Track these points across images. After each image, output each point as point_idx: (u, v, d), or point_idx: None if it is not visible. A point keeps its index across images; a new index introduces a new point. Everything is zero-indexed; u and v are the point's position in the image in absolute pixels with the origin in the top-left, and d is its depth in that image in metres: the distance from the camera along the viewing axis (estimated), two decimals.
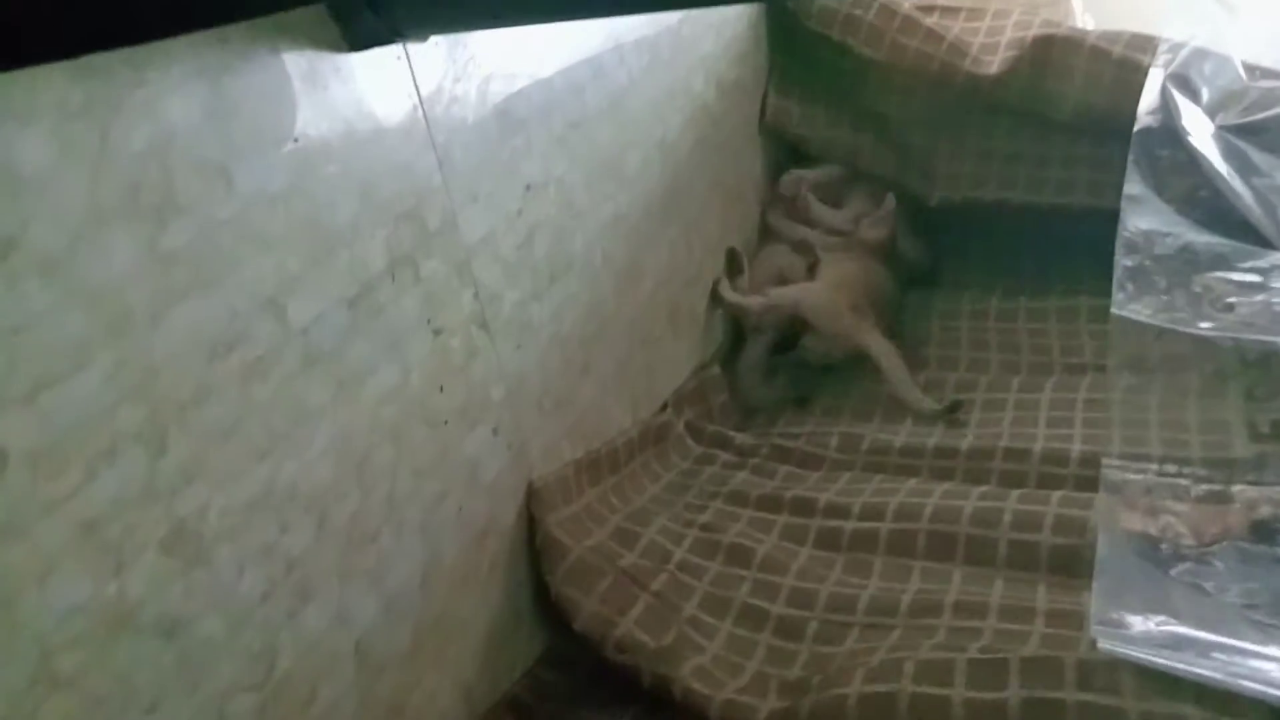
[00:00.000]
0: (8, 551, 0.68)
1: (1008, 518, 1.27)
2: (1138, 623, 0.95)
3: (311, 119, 0.93)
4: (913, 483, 1.42)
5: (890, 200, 1.92)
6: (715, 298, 1.83)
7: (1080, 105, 1.75)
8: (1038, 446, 1.44)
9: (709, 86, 1.78)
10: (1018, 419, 1.54)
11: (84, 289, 0.72)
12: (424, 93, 1.08)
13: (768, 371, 1.83)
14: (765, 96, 2.02)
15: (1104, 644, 0.95)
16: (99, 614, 0.75)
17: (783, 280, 1.86)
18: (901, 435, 1.56)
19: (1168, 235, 1.45)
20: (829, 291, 1.79)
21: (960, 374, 1.73)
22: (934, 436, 1.54)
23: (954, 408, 1.61)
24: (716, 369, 1.78)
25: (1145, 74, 1.65)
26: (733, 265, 1.89)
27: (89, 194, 0.72)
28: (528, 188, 1.29)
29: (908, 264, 1.97)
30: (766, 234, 2.03)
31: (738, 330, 1.90)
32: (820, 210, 1.97)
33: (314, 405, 0.95)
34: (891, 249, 1.92)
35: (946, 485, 1.40)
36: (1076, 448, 1.41)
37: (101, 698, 0.76)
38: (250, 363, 0.87)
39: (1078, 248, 1.72)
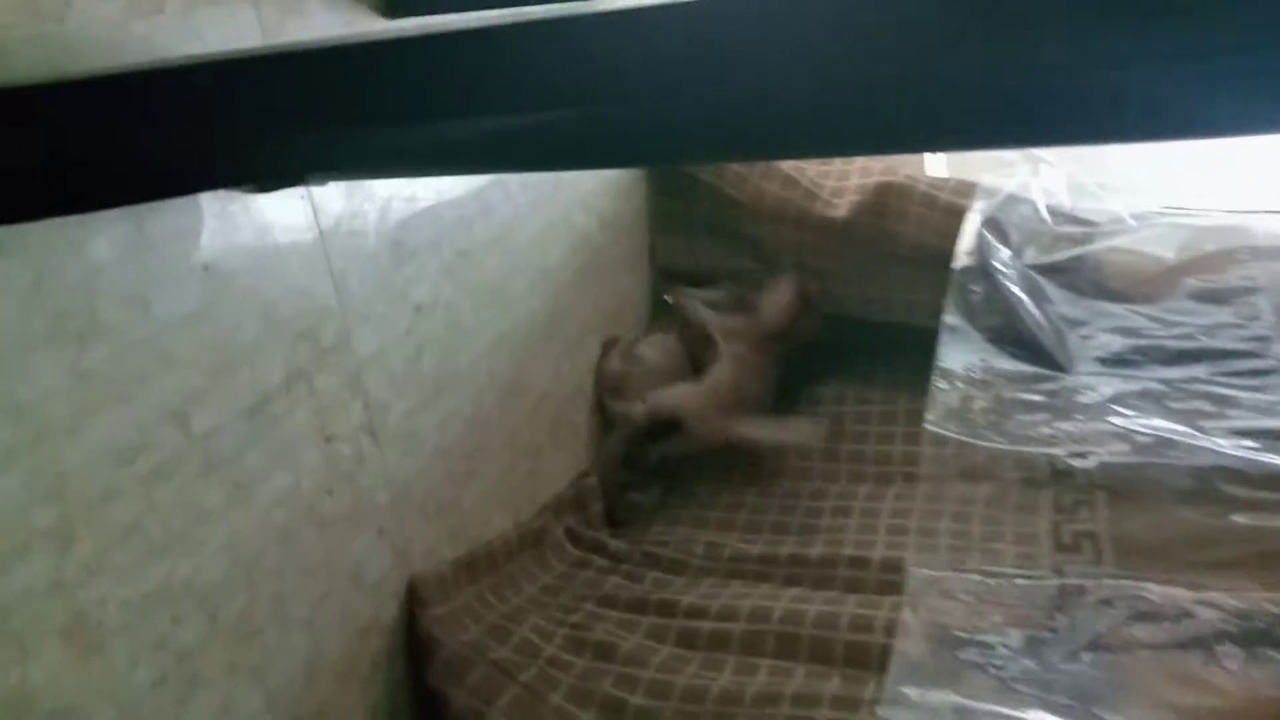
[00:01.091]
0: None
1: (844, 620, 1.42)
2: (925, 697, 1.10)
3: (221, 251, 1.05)
4: (765, 588, 1.56)
5: (788, 282, 2.09)
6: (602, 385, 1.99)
7: (915, 244, 1.98)
8: (876, 555, 1.60)
9: (590, 219, 1.96)
10: (862, 526, 1.71)
11: (10, 404, 0.82)
12: (323, 226, 1.21)
13: (626, 464, 1.96)
14: (652, 236, 2.22)
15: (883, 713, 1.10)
16: (2, 699, 0.82)
17: (665, 372, 2.02)
18: (759, 544, 1.71)
19: (978, 362, 1.67)
20: (705, 396, 1.96)
21: (813, 484, 1.89)
22: (787, 546, 1.69)
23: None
24: (594, 478, 1.91)
25: (965, 217, 1.90)
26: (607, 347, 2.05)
27: (20, 322, 0.83)
28: (418, 309, 1.42)
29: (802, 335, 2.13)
30: (655, 322, 2.21)
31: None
32: (703, 311, 2.14)
33: (210, 507, 1.04)
34: (788, 328, 2.09)
35: (795, 590, 1.54)
36: (911, 555, 1.57)
37: None
38: (154, 468, 0.97)
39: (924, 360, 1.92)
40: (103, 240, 0.90)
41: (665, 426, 1.95)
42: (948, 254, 1.88)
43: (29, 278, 0.83)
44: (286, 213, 1.15)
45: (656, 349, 2.08)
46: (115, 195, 0.80)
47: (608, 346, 2.05)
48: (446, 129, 0.69)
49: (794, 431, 1.88)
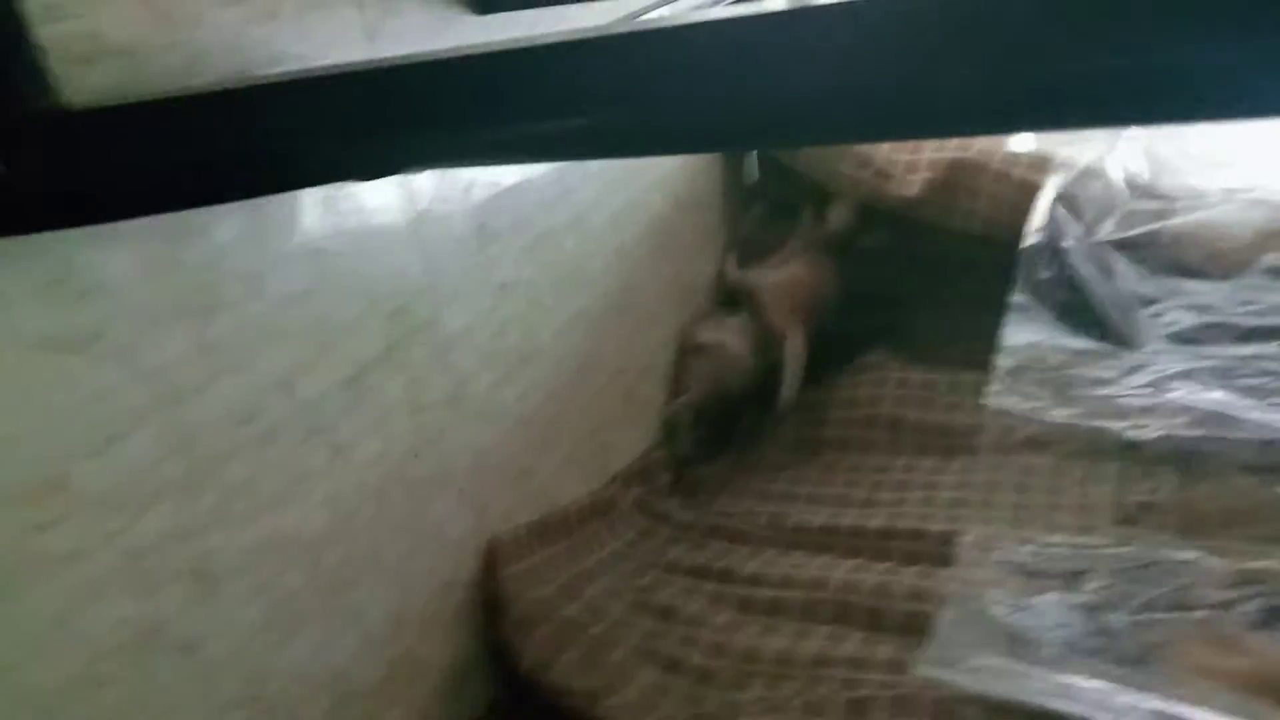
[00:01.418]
0: (73, 572, 0.88)
1: (901, 589, 1.48)
2: (969, 657, 1.16)
3: (327, 234, 1.15)
4: (824, 558, 1.63)
5: (847, 202, 2.19)
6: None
7: (987, 222, 2.00)
8: (935, 528, 1.64)
9: (665, 200, 2.02)
10: (923, 499, 1.75)
11: (146, 368, 0.93)
12: (417, 210, 1.31)
13: (692, 429, 2.06)
14: (729, 215, 2.30)
15: (931, 673, 1.16)
16: (136, 629, 0.94)
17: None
18: (821, 516, 1.77)
19: (1044, 340, 1.70)
20: (781, 284, 2.14)
21: (877, 458, 1.94)
22: (848, 518, 1.74)
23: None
24: (662, 451, 1.99)
25: (1039, 193, 1.92)
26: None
27: (155, 296, 0.93)
28: (501, 287, 1.51)
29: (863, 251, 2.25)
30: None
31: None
32: (749, 275, 2.26)
33: (313, 467, 1.15)
34: (848, 240, 2.22)
35: (853, 561, 1.60)
36: (967, 528, 1.62)
37: (130, 699, 0.94)
38: (265, 430, 1.08)
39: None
40: (226, 224, 1.00)
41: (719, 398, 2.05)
42: (1021, 230, 1.90)
43: (163, 257, 0.94)
44: (384, 199, 1.25)
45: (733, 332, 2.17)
46: (240, 192, 0.90)
47: (692, 350, 2.14)
48: (525, 129, 0.77)
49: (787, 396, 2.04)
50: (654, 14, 0.97)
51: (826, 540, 1.71)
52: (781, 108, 0.65)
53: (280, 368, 1.09)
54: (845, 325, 2.17)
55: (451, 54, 0.71)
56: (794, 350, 2.06)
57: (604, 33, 0.68)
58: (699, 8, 1.03)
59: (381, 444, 1.26)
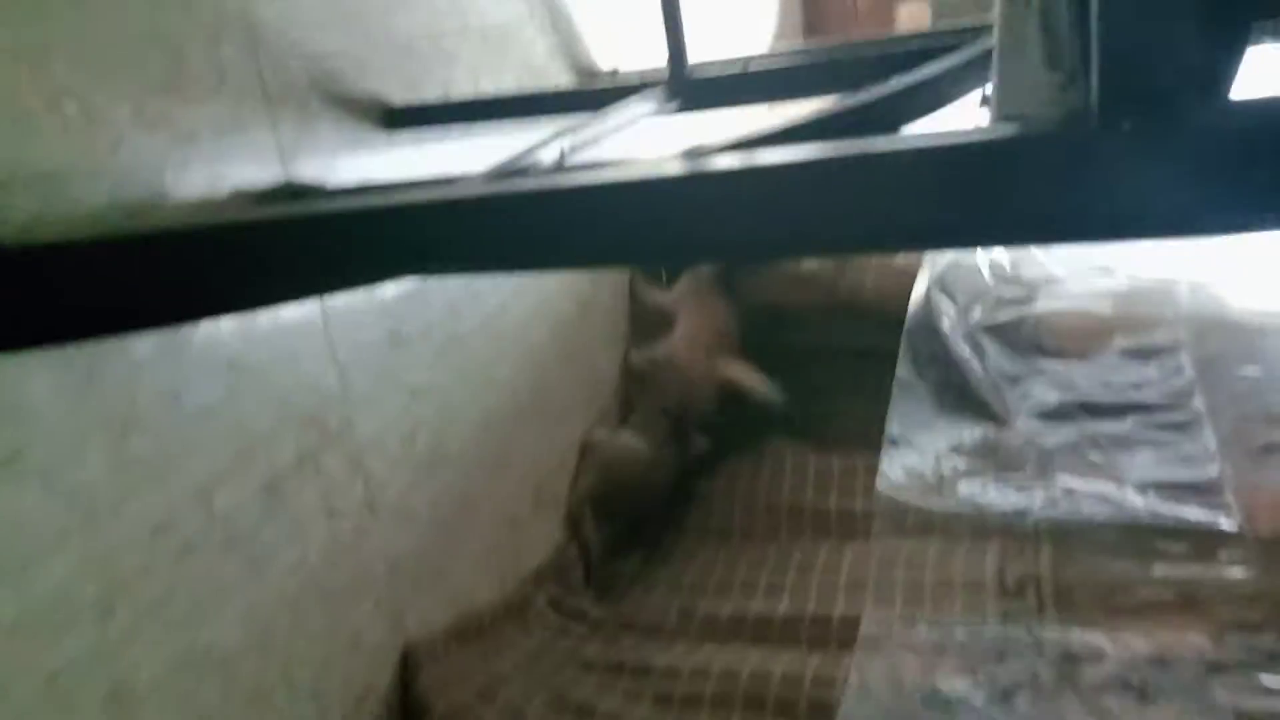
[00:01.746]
0: None
1: (808, 676, 1.52)
2: None
3: (242, 345, 1.17)
4: (735, 646, 1.67)
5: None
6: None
7: (875, 295, 2.15)
8: (837, 612, 1.70)
9: (571, 303, 2.09)
10: (823, 584, 1.81)
11: (66, 488, 0.93)
12: (329, 317, 1.34)
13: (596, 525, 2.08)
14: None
15: None
16: None
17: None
18: (729, 605, 1.81)
19: (925, 421, 1.81)
20: (687, 341, 2.20)
21: (779, 543, 2.00)
22: (755, 604, 1.79)
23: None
24: (573, 549, 2.01)
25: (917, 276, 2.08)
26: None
27: (73, 415, 0.94)
28: (413, 392, 1.54)
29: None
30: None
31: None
32: (654, 293, 2.37)
33: (230, 580, 1.15)
34: (728, 280, 2.30)
35: (762, 649, 1.65)
36: (866, 610, 1.68)
37: None
38: (182, 544, 1.07)
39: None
40: (143, 341, 1.02)
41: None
42: (903, 311, 2.04)
43: (82, 375, 0.95)
44: (298, 308, 1.27)
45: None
46: (153, 323, 0.93)
47: (585, 450, 2.18)
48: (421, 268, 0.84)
49: (766, 385, 2.11)
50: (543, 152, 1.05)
51: (735, 629, 1.75)
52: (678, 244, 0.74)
53: (197, 479, 1.10)
54: (743, 413, 2.25)
55: (354, 206, 0.77)
56: (735, 372, 2.15)
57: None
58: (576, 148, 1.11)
59: (298, 553, 1.26)
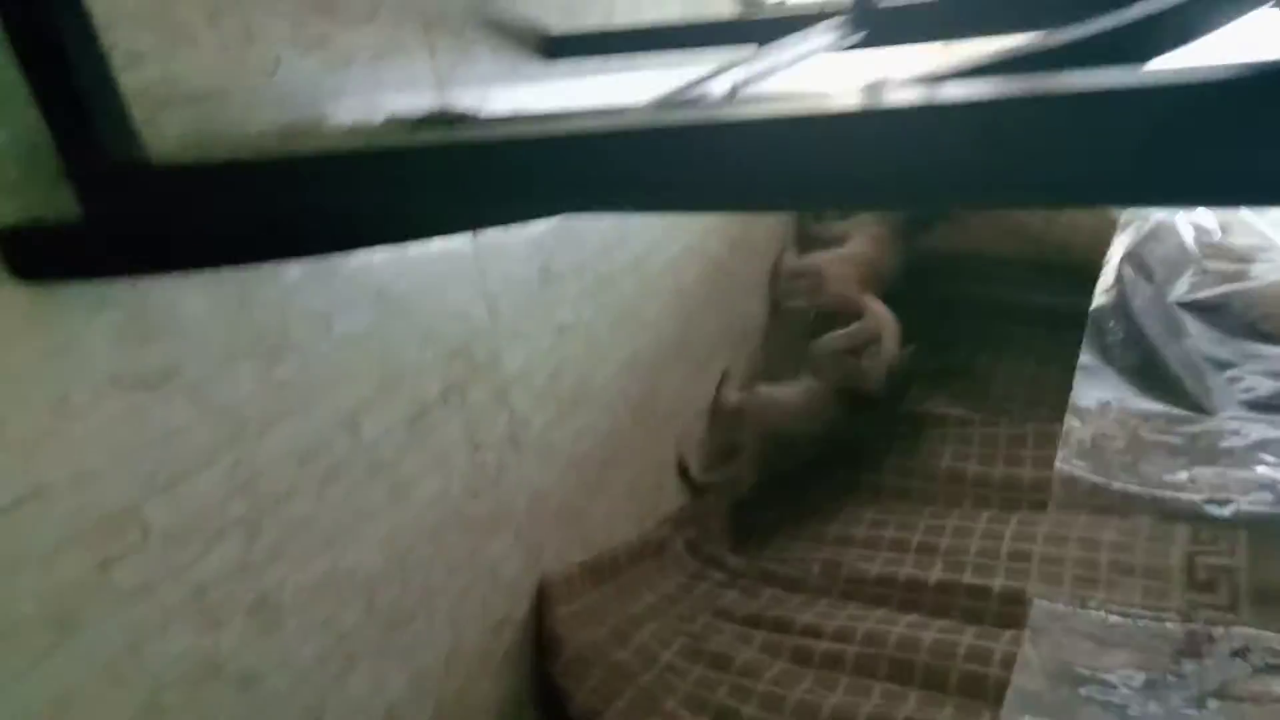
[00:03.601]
0: (140, 606, 0.88)
1: (961, 649, 1.43)
2: None
3: (391, 275, 1.15)
4: (881, 611, 1.58)
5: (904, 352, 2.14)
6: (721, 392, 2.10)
7: (1083, 263, 1.98)
8: (997, 584, 1.59)
9: (722, 245, 2.01)
10: (982, 550, 1.70)
11: (215, 407, 0.93)
12: (481, 254, 1.31)
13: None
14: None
15: None
16: (198, 662, 0.94)
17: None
18: (876, 564, 1.73)
19: (1114, 400, 1.64)
20: (843, 261, 2.15)
21: (934, 506, 1.89)
22: (905, 567, 1.70)
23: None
24: (713, 494, 1.97)
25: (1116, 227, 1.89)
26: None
27: (227, 336, 0.94)
28: (560, 329, 1.51)
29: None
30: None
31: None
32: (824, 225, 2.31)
33: (373, 506, 1.15)
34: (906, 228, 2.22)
35: (912, 616, 1.56)
36: (1031, 586, 1.56)
37: None
38: (327, 469, 1.08)
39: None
40: (295, 266, 1.01)
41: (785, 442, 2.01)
42: (1096, 263, 1.87)
43: (234, 297, 0.95)
44: (450, 242, 1.25)
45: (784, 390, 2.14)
46: (310, 251, 0.91)
47: (724, 379, 2.12)
48: (593, 201, 0.78)
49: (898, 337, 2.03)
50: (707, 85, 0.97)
51: (883, 592, 1.67)
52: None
53: (343, 407, 1.09)
54: (907, 368, 2.13)
55: (515, 133, 0.71)
56: (877, 316, 2.05)
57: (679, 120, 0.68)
58: (750, 79, 1.02)
59: (440, 483, 1.26)
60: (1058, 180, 0.60)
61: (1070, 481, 1.59)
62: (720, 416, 2.09)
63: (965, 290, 2.29)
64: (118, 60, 0.81)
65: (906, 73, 0.74)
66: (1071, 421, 1.65)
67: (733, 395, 2.09)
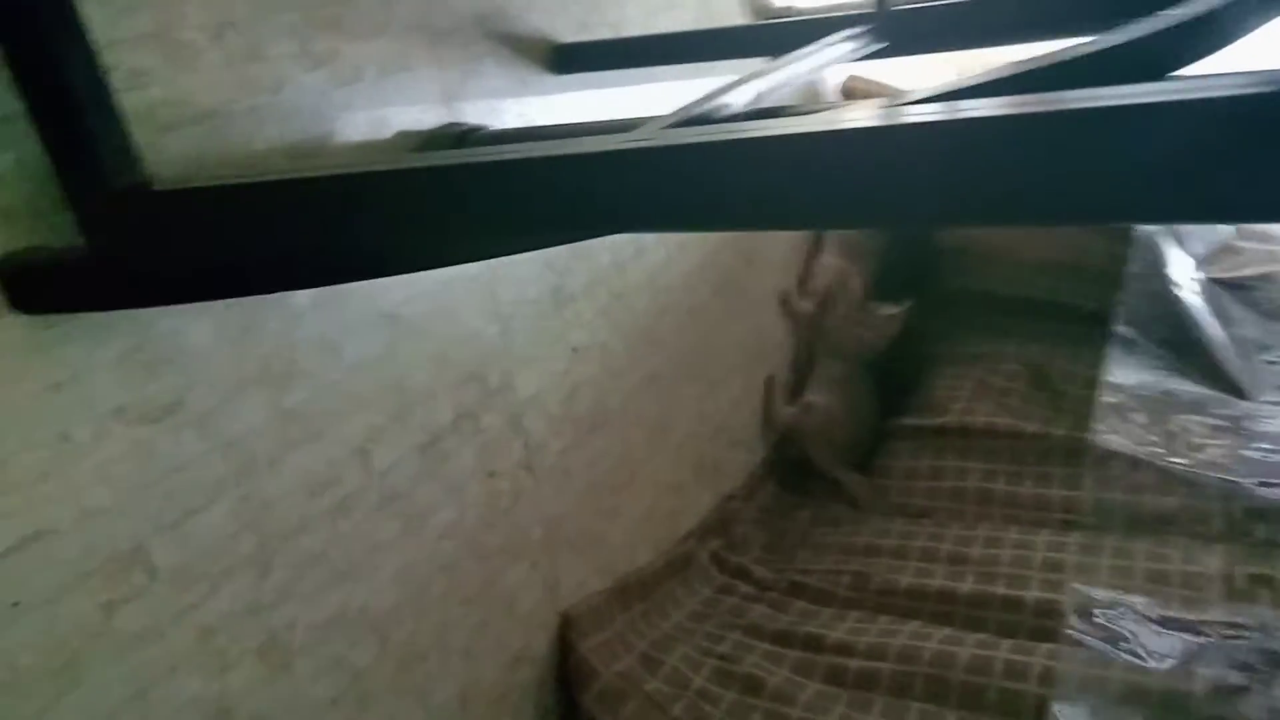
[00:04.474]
0: (146, 650, 0.85)
1: (998, 666, 1.40)
2: None
3: (403, 299, 1.13)
4: (914, 625, 1.55)
5: (902, 310, 2.16)
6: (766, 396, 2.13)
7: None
8: (1031, 596, 1.56)
9: (738, 259, 1.99)
10: (1015, 560, 1.66)
11: (222, 439, 0.91)
12: (493, 271, 1.29)
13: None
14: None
15: None
16: (207, 709, 0.91)
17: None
18: (907, 576, 1.69)
19: (1150, 377, 1.60)
20: (825, 420, 2.09)
21: (964, 520, 1.85)
22: (936, 578, 1.67)
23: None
24: (737, 501, 1.94)
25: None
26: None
27: (233, 365, 0.92)
28: (575, 351, 1.49)
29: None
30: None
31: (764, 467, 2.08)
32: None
33: (385, 538, 1.12)
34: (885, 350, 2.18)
35: (945, 630, 1.53)
36: (1066, 598, 1.53)
37: None
38: (339, 501, 1.05)
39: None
40: (303, 292, 0.99)
41: None
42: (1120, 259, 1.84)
43: (242, 325, 0.93)
44: (463, 265, 1.23)
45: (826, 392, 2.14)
46: (321, 280, 0.89)
47: (769, 389, 2.13)
48: (606, 225, 0.76)
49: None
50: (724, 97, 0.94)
51: (914, 605, 1.64)
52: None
53: (355, 436, 1.07)
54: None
55: (527, 153, 0.69)
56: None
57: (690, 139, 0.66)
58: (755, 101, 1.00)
59: (454, 513, 1.23)
60: (1084, 199, 0.58)
61: (1106, 456, 1.56)
62: (773, 431, 2.13)
63: (977, 284, 2.25)
64: (119, 81, 0.79)
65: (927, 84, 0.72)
66: (1106, 396, 1.61)
67: (783, 411, 2.12)
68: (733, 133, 0.65)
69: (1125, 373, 1.63)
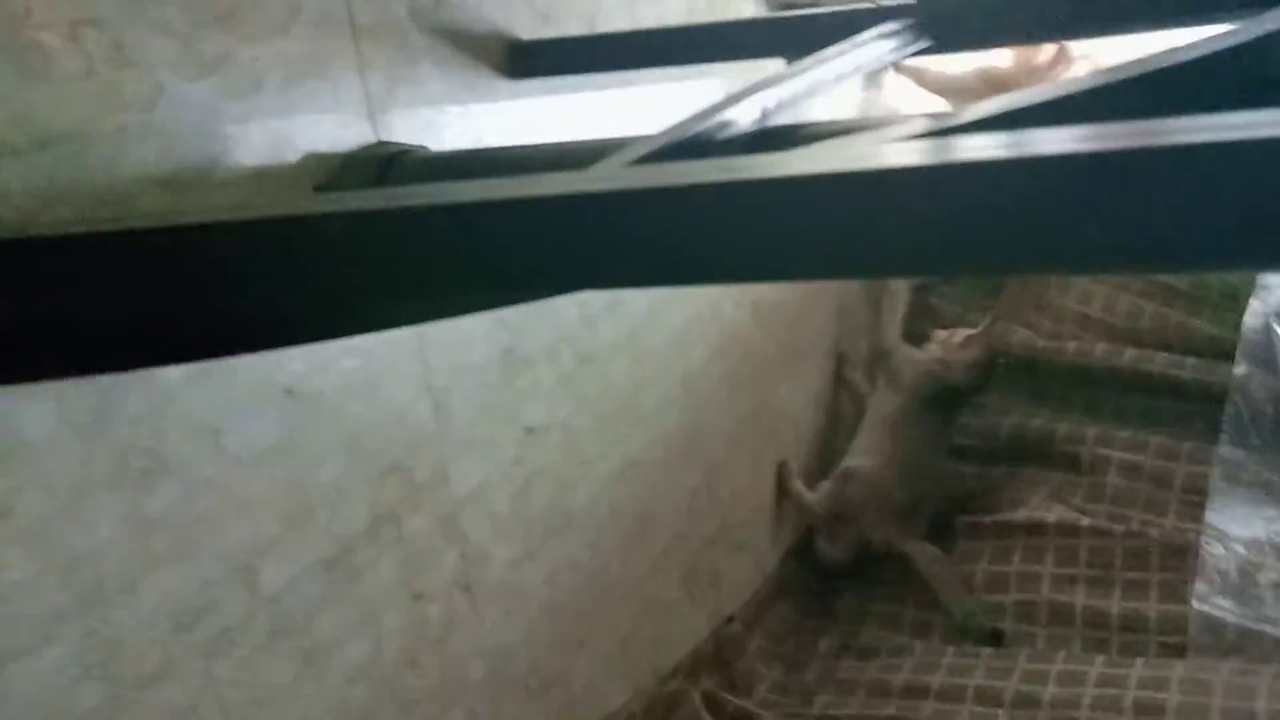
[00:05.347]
0: None
1: None
2: None
3: (306, 369, 1.12)
4: None
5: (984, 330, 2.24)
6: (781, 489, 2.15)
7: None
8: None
9: (741, 312, 2.00)
10: (1098, 701, 1.66)
11: (64, 559, 0.90)
12: (424, 334, 1.29)
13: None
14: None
15: None
16: None
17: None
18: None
19: (1263, 519, 1.62)
20: (873, 485, 2.11)
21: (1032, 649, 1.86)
22: (975, 676, 1.67)
23: (997, 636, 1.87)
24: (738, 625, 1.93)
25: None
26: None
27: (81, 461, 0.91)
28: (529, 431, 1.48)
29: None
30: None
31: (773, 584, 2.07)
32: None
33: (276, 683, 1.10)
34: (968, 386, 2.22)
35: None
36: None
37: None
38: (215, 635, 1.04)
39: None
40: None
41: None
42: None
43: (90, 410, 0.91)
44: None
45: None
46: (191, 353, 0.89)
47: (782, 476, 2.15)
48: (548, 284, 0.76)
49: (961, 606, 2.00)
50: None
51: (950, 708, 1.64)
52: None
53: (238, 549, 1.06)
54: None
55: (462, 196, 0.69)
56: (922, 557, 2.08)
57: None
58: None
59: (369, 648, 1.22)
60: (1170, 246, 0.57)
61: (1211, 625, 1.57)
62: (809, 519, 2.18)
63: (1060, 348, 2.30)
64: None
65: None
66: (1209, 546, 1.63)
67: (808, 496, 2.13)
68: (730, 172, 0.65)
69: (1231, 509, 1.66)
